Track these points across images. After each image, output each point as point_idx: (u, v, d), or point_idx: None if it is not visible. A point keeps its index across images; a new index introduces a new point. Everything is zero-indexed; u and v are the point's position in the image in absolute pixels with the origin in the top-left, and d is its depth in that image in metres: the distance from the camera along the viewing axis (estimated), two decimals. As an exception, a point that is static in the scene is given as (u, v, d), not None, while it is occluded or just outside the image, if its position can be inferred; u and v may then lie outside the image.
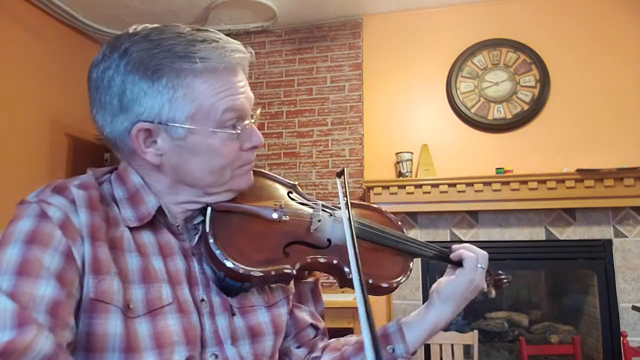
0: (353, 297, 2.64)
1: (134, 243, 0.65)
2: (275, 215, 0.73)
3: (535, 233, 2.84)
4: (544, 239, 2.83)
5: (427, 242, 0.85)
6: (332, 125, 3.25)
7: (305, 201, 0.81)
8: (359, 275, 0.56)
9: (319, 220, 0.77)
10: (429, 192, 2.88)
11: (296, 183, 0.84)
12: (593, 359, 2.82)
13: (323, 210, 0.80)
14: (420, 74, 3.19)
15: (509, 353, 3.05)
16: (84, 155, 3.48)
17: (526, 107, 2.97)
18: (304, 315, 0.84)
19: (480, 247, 0.82)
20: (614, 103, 2.88)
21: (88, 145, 3.53)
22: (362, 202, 0.89)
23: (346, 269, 0.74)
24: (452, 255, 0.82)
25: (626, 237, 2.75)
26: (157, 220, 0.69)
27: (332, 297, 2.60)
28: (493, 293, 0.88)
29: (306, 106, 3.31)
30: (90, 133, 3.56)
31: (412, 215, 3.00)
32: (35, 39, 3.08)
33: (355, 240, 0.62)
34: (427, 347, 2.40)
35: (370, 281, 0.74)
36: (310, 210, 0.78)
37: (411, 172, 3.00)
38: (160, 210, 0.69)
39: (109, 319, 0.58)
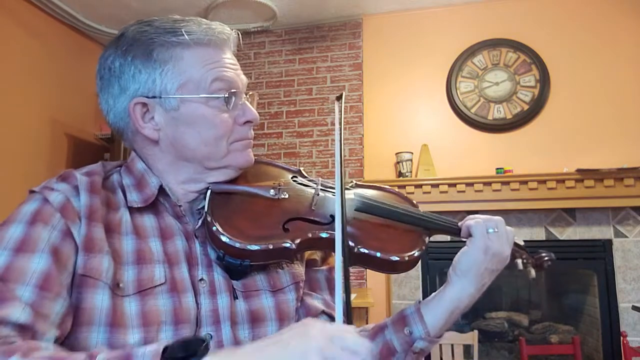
0: (353, 296, 2.64)
1: (132, 226, 0.68)
2: (272, 192, 0.73)
3: (535, 233, 2.84)
4: (544, 239, 2.83)
5: (436, 215, 0.80)
6: (332, 125, 3.25)
7: (307, 182, 0.80)
8: (343, 234, 0.58)
9: (318, 194, 0.76)
10: (429, 192, 2.88)
11: (301, 168, 0.84)
12: (593, 359, 2.82)
13: (324, 188, 0.79)
14: (420, 74, 3.19)
15: (509, 353, 3.05)
16: (84, 155, 3.48)
17: (526, 107, 2.97)
18: (316, 302, 0.80)
19: None
20: (614, 103, 2.87)
21: (88, 145, 3.53)
22: (378, 185, 0.87)
23: (351, 243, 0.70)
24: (462, 232, 0.77)
25: (626, 237, 2.75)
26: (160, 204, 0.72)
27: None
28: (533, 273, 0.81)
29: (306, 106, 3.31)
30: (90, 133, 3.56)
31: (412, 215, 3.00)
32: (35, 39, 3.08)
33: (344, 185, 0.62)
34: (427, 347, 2.39)
35: (379, 254, 0.71)
36: (312, 189, 0.78)
37: (411, 172, 3.00)
38: (163, 192, 0.71)
39: (96, 294, 0.60)
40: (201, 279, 0.68)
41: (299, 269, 0.79)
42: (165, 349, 0.50)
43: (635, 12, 2.92)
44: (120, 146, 3.29)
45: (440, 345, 2.31)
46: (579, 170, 2.68)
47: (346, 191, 0.78)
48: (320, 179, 0.82)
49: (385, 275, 3.03)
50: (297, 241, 0.69)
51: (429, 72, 3.18)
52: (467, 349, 2.39)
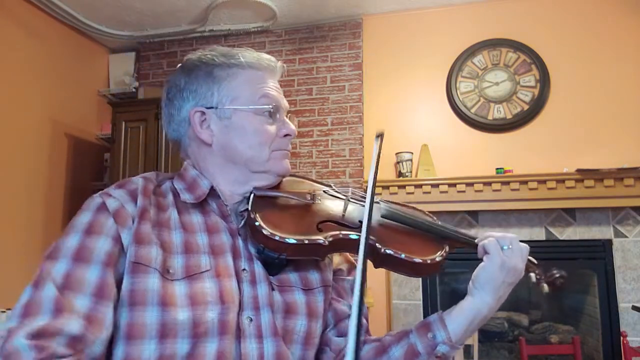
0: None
1: (179, 223, 0.77)
2: (308, 198, 0.84)
3: (535, 233, 2.84)
4: (544, 239, 2.83)
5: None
6: (332, 125, 3.25)
7: (338, 194, 0.89)
8: (366, 233, 0.67)
9: (349, 202, 0.86)
10: (429, 192, 2.88)
11: (332, 184, 0.93)
12: (593, 359, 2.82)
13: (354, 199, 0.88)
14: (420, 74, 3.19)
15: (509, 353, 3.05)
16: (84, 155, 3.48)
17: (526, 107, 2.97)
18: (344, 307, 0.88)
19: None
20: (614, 103, 2.87)
21: (88, 145, 3.53)
22: (401, 203, 0.94)
23: (378, 245, 0.77)
24: (478, 249, 0.82)
25: (626, 237, 2.75)
26: (207, 205, 0.81)
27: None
28: (546, 288, 0.86)
29: (306, 106, 3.32)
30: (90, 133, 3.57)
31: (412, 215, 3.00)
32: (35, 39, 3.08)
33: (374, 199, 0.71)
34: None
35: (403, 256, 0.78)
36: (343, 199, 0.87)
37: (411, 172, 3.00)
38: (213, 194, 0.81)
39: (148, 278, 0.69)
40: (244, 269, 0.77)
41: (329, 275, 0.87)
42: None
43: (635, 12, 2.92)
44: (120, 146, 3.28)
45: (440, 345, 2.31)
46: (579, 170, 2.68)
47: (375, 203, 0.85)
48: (350, 189, 0.92)
49: (385, 276, 3.03)
50: (330, 239, 0.76)
51: (429, 72, 3.18)
52: (467, 349, 2.39)
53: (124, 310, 0.69)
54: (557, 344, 2.89)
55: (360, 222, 0.79)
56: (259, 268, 0.78)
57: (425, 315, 2.91)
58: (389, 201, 0.91)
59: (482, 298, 0.79)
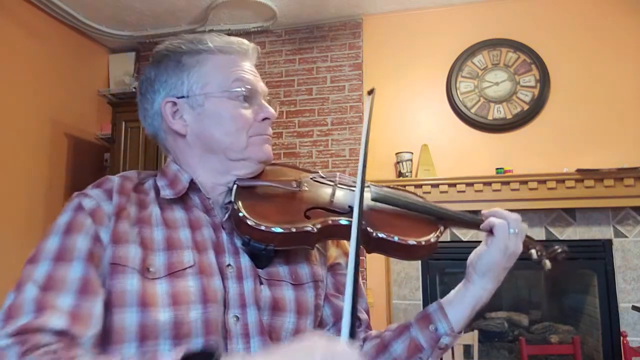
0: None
1: (161, 219, 0.75)
2: (294, 185, 0.80)
3: (535, 233, 2.83)
4: (544, 239, 2.83)
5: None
6: (332, 125, 3.25)
7: (326, 180, 0.86)
8: (359, 215, 0.63)
9: (336, 187, 0.82)
10: (429, 192, 2.88)
11: (319, 171, 0.89)
12: (593, 359, 2.82)
13: (342, 184, 0.84)
14: (420, 74, 3.19)
15: (509, 353, 3.05)
16: (84, 155, 3.48)
17: (526, 107, 2.97)
18: (341, 303, 0.83)
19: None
20: (614, 103, 2.87)
21: (88, 145, 3.53)
22: (392, 187, 0.91)
23: (370, 229, 0.74)
24: (482, 226, 0.79)
25: (626, 237, 2.75)
26: (190, 200, 0.79)
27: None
28: (548, 264, 0.83)
29: (306, 106, 3.31)
30: (90, 133, 3.56)
31: (412, 215, 3.00)
32: (35, 39, 3.08)
33: (365, 168, 0.68)
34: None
35: (396, 238, 0.75)
36: (331, 185, 0.84)
37: (411, 172, 3.00)
38: (194, 187, 0.78)
39: (126, 279, 0.67)
40: (228, 265, 0.74)
41: (319, 270, 0.83)
42: (183, 358, 0.54)
43: (635, 12, 2.92)
44: (120, 146, 3.29)
45: (440, 345, 2.31)
46: (579, 170, 2.68)
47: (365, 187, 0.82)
48: (338, 174, 0.88)
49: (385, 276, 3.03)
50: (318, 226, 0.73)
51: (429, 72, 3.18)
52: (467, 349, 2.39)
53: (103, 314, 0.66)
54: (557, 344, 2.89)
55: (350, 207, 0.77)
56: (245, 262, 0.75)
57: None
58: (379, 185, 0.87)
59: (483, 285, 0.77)
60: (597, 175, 2.67)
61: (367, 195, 0.81)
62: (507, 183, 2.78)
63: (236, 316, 0.71)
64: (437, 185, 2.88)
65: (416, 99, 3.17)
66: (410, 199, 0.83)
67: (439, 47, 3.18)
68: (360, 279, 0.89)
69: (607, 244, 2.76)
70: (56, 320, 0.60)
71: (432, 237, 0.77)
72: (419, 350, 0.76)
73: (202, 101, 0.78)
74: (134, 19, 3.33)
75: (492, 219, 0.77)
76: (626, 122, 2.84)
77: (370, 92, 0.80)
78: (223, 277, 0.72)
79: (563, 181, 2.72)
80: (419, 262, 2.94)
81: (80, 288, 0.64)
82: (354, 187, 0.79)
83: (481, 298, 0.77)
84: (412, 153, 3.01)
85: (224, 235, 0.76)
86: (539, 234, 2.83)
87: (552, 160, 2.87)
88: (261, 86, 0.83)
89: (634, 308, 2.37)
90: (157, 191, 0.79)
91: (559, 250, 0.84)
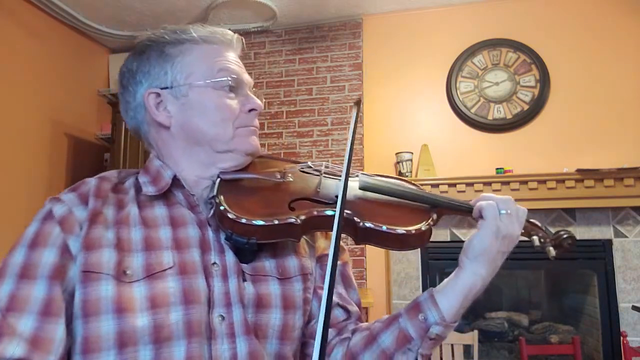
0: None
1: (139, 218, 0.72)
2: (278, 176, 0.78)
3: (535, 233, 2.83)
4: (544, 239, 2.83)
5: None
6: (332, 125, 3.25)
7: (311, 171, 0.84)
8: (341, 206, 0.60)
9: (322, 177, 0.80)
10: (429, 192, 2.88)
11: (309, 162, 0.87)
12: (593, 359, 2.82)
13: (328, 174, 0.83)
14: (420, 74, 3.19)
15: (509, 353, 3.05)
16: (84, 155, 3.48)
17: (526, 107, 2.97)
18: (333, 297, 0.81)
19: None
20: (614, 103, 2.87)
21: (88, 145, 3.53)
22: (382, 174, 0.88)
23: (357, 219, 0.71)
24: (473, 213, 0.75)
25: (626, 237, 2.75)
26: (173, 197, 0.76)
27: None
28: (553, 252, 0.78)
29: (306, 106, 3.31)
30: (90, 133, 3.56)
31: (412, 215, 3.00)
32: (35, 39, 3.08)
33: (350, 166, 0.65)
34: (427, 347, 2.40)
35: (384, 228, 0.71)
36: (317, 175, 0.82)
37: (411, 172, 3.00)
38: (177, 184, 0.76)
39: (100, 286, 0.64)
40: (214, 263, 0.71)
41: (308, 262, 0.81)
42: None
43: (635, 12, 2.92)
44: (120, 146, 3.29)
45: (440, 345, 2.31)
46: (579, 170, 2.68)
47: (350, 177, 0.80)
48: (324, 163, 0.86)
49: (385, 276, 3.04)
50: (303, 217, 0.70)
51: (429, 72, 3.18)
52: (467, 349, 2.39)
53: (78, 324, 0.64)
54: (557, 344, 2.89)
55: (337, 197, 0.71)
56: (230, 259, 0.72)
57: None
58: (369, 174, 0.84)
59: (475, 270, 0.72)
60: (597, 175, 2.67)
61: (355, 184, 0.78)
62: (507, 183, 2.79)
63: (221, 315, 0.69)
64: (437, 185, 2.88)
65: (416, 99, 3.17)
66: (401, 187, 0.79)
67: (439, 47, 3.18)
68: (350, 272, 0.88)
69: (607, 244, 2.76)
70: (14, 348, 0.59)
71: (423, 226, 0.73)
72: (407, 341, 0.72)
73: (186, 91, 0.76)
74: (134, 19, 3.33)
75: (480, 203, 0.74)
76: (626, 122, 2.84)
77: (357, 103, 0.77)
78: (207, 276, 0.70)
79: (563, 181, 2.72)
80: (419, 262, 2.94)
81: (42, 309, 0.62)
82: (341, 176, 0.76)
83: (474, 285, 0.72)
84: (412, 153, 3.01)
85: (210, 233, 0.74)
86: (539, 234, 2.83)
87: (552, 160, 2.87)
88: (246, 77, 0.81)
89: (634, 308, 2.37)
90: (137, 189, 0.76)
91: (565, 236, 0.79)
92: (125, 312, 0.63)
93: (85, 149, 3.50)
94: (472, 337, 2.29)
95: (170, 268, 0.68)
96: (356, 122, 0.72)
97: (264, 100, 0.84)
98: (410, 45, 3.23)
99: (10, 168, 2.87)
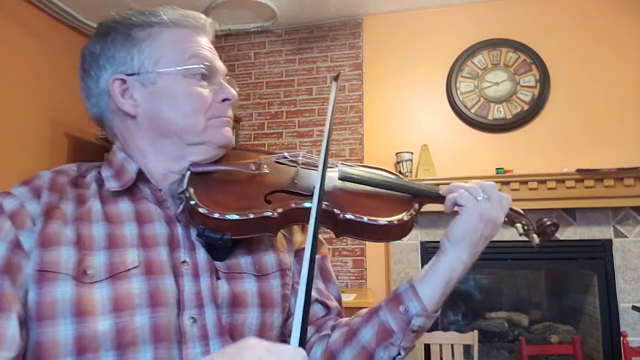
0: (353, 296, 2.64)
1: (102, 214, 0.67)
2: (252, 167, 0.73)
3: (535, 233, 2.83)
4: (544, 239, 2.83)
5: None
6: (332, 125, 3.25)
7: (288, 162, 0.79)
8: (320, 193, 0.56)
9: (299, 168, 0.76)
10: (429, 192, 2.88)
11: (285, 153, 0.82)
12: (593, 359, 2.82)
13: (306, 165, 0.78)
14: (420, 74, 3.19)
15: (509, 353, 3.05)
16: (84, 155, 3.48)
17: (526, 107, 2.97)
18: (312, 292, 0.77)
19: None
20: (614, 103, 2.88)
21: (88, 145, 3.53)
22: (362, 164, 0.85)
23: (336, 211, 0.68)
24: (445, 207, 0.73)
25: (626, 237, 2.75)
26: (139, 192, 0.71)
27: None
28: (536, 239, 0.76)
29: (306, 106, 3.31)
30: (90, 133, 3.56)
31: (412, 215, 3.00)
32: (35, 39, 3.08)
33: (328, 147, 0.62)
34: (427, 347, 2.40)
35: (366, 219, 0.68)
36: (294, 166, 0.77)
37: (411, 172, 3.00)
38: (142, 178, 0.71)
39: (57, 287, 0.59)
40: (184, 261, 0.67)
41: (286, 258, 0.77)
42: None
43: (635, 12, 2.92)
44: (120, 146, 3.29)
45: (440, 345, 2.31)
46: (579, 170, 2.68)
47: (329, 167, 0.77)
48: (301, 153, 0.81)
49: (385, 276, 3.03)
50: (280, 210, 0.67)
51: (429, 72, 3.18)
52: (467, 349, 2.39)
53: (32, 328, 0.58)
54: (557, 344, 2.89)
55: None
56: (202, 257, 0.68)
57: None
58: (347, 163, 0.81)
59: (457, 255, 0.69)
60: (597, 175, 2.67)
61: (334, 174, 0.75)
62: (507, 183, 2.78)
63: (192, 317, 0.64)
64: (437, 185, 2.87)
65: (416, 99, 3.17)
66: (381, 177, 0.77)
67: (439, 47, 3.18)
68: (329, 266, 0.85)
69: (607, 244, 2.76)
70: None
71: (404, 216, 0.71)
72: (389, 335, 0.69)
73: (154, 79, 0.70)
74: (134, 19, 3.33)
75: (451, 195, 0.72)
76: (626, 122, 2.84)
77: (336, 78, 0.74)
78: (177, 275, 0.65)
79: (563, 181, 2.72)
80: (419, 262, 2.94)
81: None
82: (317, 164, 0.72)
83: (455, 270, 0.69)
84: (412, 153, 3.01)
85: (179, 229, 0.69)
86: (539, 234, 2.83)
87: (552, 160, 2.87)
88: (220, 65, 0.76)
89: (634, 308, 2.37)
90: (100, 183, 0.71)
91: (548, 223, 0.78)
92: (85, 316, 0.58)
93: (85, 149, 3.50)
94: (472, 337, 2.29)
95: (135, 267, 0.63)
96: (335, 98, 0.68)
97: (237, 89, 0.78)
98: (410, 45, 3.23)
99: (10, 168, 2.87)
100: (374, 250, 3.08)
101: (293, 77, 3.37)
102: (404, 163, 2.99)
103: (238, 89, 0.80)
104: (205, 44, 0.75)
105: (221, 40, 3.52)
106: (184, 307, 0.64)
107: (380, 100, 3.23)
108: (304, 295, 0.48)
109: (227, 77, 0.77)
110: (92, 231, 0.64)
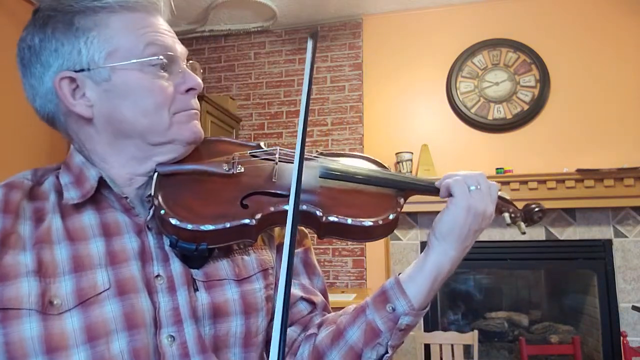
0: (353, 297, 2.64)
1: (63, 231, 0.60)
2: (225, 167, 0.67)
3: (535, 233, 2.84)
4: (544, 239, 2.83)
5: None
6: (332, 125, 3.25)
7: (265, 155, 0.73)
8: (297, 189, 0.49)
9: (277, 164, 0.70)
10: (429, 192, 2.88)
11: (261, 142, 0.76)
12: (593, 359, 2.82)
13: (284, 158, 0.72)
14: (420, 74, 3.19)
15: (509, 353, 3.05)
16: (84, 155, 3.48)
17: (526, 107, 2.97)
18: (293, 289, 0.74)
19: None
20: (614, 103, 2.88)
21: (88, 145, 3.54)
22: (344, 152, 0.79)
23: (318, 213, 0.64)
24: (440, 194, 0.69)
25: (626, 237, 2.75)
26: (102, 199, 0.64)
27: (331, 298, 2.60)
28: (523, 227, 0.75)
29: (306, 106, 3.31)
30: (90, 133, 3.57)
31: (413, 215, 3.00)
32: (35, 39, 3.08)
33: (306, 127, 0.55)
34: (427, 347, 2.40)
35: (350, 221, 0.64)
36: (271, 161, 0.71)
37: (411, 172, 3.00)
38: (105, 185, 0.64)
39: (23, 324, 0.54)
40: (158, 275, 0.61)
41: (267, 255, 0.73)
42: None
43: (635, 12, 2.92)
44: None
45: (440, 345, 2.31)
46: (579, 170, 2.68)
47: (309, 160, 0.72)
48: (278, 147, 0.74)
49: (385, 276, 3.03)
50: (258, 216, 0.62)
51: (429, 72, 3.18)
52: (467, 349, 2.39)
53: None
54: (557, 344, 2.89)
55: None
56: (177, 269, 0.62)
57: (425, 319, 2.92)
58: (325, 154, 0.75)
59: (444, 251, 0.66)
60: (597, 175, 2.67)
61: (314, 171, 0.69)
62: (507, 183, 2.79)
63: (171, 336, 0.59)
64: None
65: (416, 99, 3.17)
66: (366, 171, 0.72)
67: (439, 47, 3.18)
68: (313, 259, 0.80)
69: (607, 244, 2.76)
70: None
71: (390, 215, 0.67)
72: (376, 335, 0.66)
73: (108, 74, 0.61)
74: (134, 19, 3.33)
75: (446, 181, 0.67)
76: (626, 122, 2.84)
77: (313, 35, 0.62)
78: (151, 292, 0.60)
79: (563, 181, 2.72)
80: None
81: None
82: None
83: (443, 266, 0.66)
84: (412, 153, 3.01)
85: (150, 239, 0.63)
86: (539, 234, 2.83)
87: (552, 160, 2.87)
88: (180, 48, 0.67)
89: (634, 308, 2.37)
90: (59, 191, 0.64)
91: (536, 209, 0.75)
92: (57, 351, 0.54)
93: (85, 149, 3.50)
94: (472, 337, 2.29)
95: (106, 290, 0.57)
96: (313, 59, 0.61)
97: (201, 74, 0.71)
98: (410, 45, 3.23)
99: (10, 168, 2.87)
100: (374, 250, 3.08)
101: (293, 77, 3.37)
102: (404, 163, 2.99)
103: (202, 71, 0.70)
104: (162, 27, 0.66)
105: (221, 40, 3.52)
106: (161, 325, 0.59)
107: (380, 100, 3.23)
108: (279, 324, 0.42)
109: (190, 62, 0.69)
110: (54, 254, 0.58)
